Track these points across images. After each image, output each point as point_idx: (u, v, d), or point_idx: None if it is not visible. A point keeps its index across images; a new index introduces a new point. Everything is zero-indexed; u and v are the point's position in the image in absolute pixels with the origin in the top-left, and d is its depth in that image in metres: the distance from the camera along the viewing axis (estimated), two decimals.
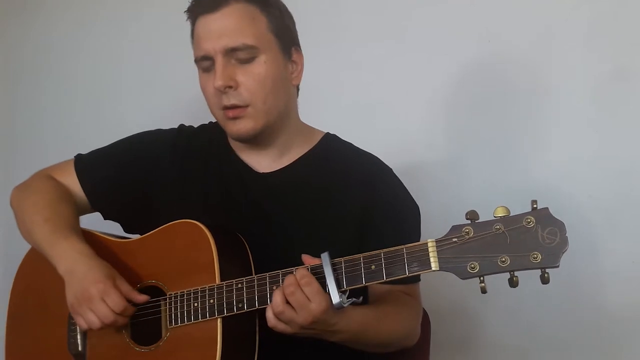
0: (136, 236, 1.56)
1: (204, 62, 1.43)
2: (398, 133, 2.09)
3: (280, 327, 1.28)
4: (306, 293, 1.25)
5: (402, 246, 1.24)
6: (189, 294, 1.38)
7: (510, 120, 2.03)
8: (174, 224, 1.45)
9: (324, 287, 1.26)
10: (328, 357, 1.43)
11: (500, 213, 1.18)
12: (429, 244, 1.21)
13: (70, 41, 2.49)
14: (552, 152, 1.98)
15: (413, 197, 1.55)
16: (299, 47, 1.51)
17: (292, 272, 1.28)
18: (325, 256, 1.27)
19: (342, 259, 1.27)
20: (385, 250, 1.25)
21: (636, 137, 1.91)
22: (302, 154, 1.53)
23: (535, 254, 1.15)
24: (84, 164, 1.60)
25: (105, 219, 1.62)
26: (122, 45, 2.43)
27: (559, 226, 1.15)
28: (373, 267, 1.25)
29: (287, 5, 1.51)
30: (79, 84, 2.49)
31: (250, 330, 1.37)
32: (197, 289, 1.37)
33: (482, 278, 1.18)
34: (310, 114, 1.58)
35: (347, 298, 1.25)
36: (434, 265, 1.21)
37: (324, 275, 1.26)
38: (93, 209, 1.61)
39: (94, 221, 1.62)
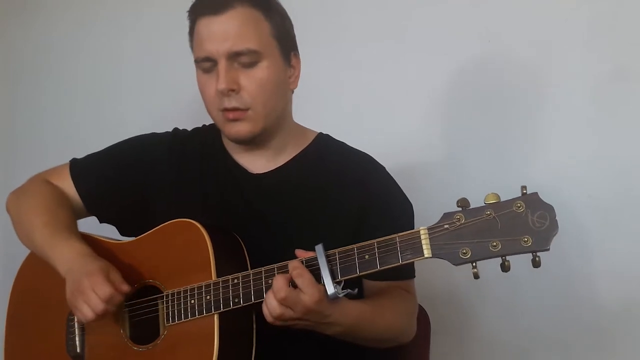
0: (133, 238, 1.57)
1: (205, 63, 1.43)
2: (398, 133, 2.10)
3: (277, 321, 1.29)
4: (298, 284, 1.26)
5: (395, 235, 1.25)
6: (185, 292, 1.39)
7: (509, 120, 2.03)
8: (170, 224, 1.46)
9: (318, 278, 1.26)
10: (326, 352, 1.44)
11: (491, 199, 1.19)
12: (421, 232, 1.23)
13: (70, 41, 2.49)
14: (551, 152, 1.98)
15: (413, 196, 1.55)
16: (298, 52, 1.52)
17: (287, 266, 1.29)
18: (319, 247, 1.28)
19: (336, 250, 1.28)
20: (378, 239, 1.26)
21: (636, 137, 1.91)
22: (295, 154, 1.54)
23: (526, 238, 1.16)
24: (80, 169, 1.61)
25: (100, 222, 1.63)
26: (122, 45, 2.43)
27: (549, 210, 1.17)
28: (367, 256, 1.26)
29: (287, 6, 1.51)
30: (79, 84, 2.49)
31: (247, 325, 1.37)
32: (194, 286, 1.38)
33: (474, 264, 1.19)
34: (310, 114, 1.58)
35: (342, 289, 1.26)
36: (427, 252, 1.22)
37: (319, 267, 1.26)
38: (89, 212, 1.61)
39: (90, 222, 1.62)
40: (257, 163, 1.53)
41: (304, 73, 1.53)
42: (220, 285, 1.35)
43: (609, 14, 1.93)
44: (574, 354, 1.97)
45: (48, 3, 2.53)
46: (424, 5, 2.09)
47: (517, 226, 1.17)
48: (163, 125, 1.65)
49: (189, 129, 1.65)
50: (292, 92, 1.54)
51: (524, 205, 1.17)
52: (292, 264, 1.28)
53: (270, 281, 1.30)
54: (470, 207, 1.20)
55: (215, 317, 1.35)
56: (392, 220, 1.46)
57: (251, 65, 1.41)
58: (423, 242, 1.22)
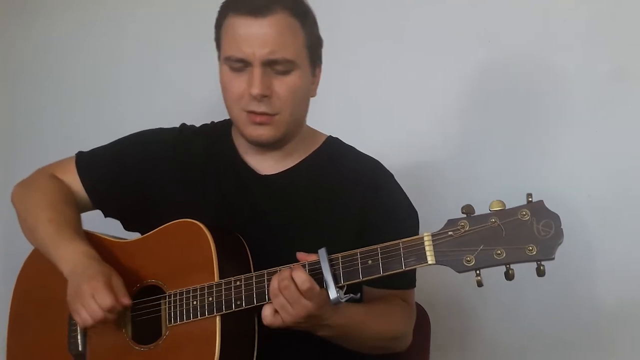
0: (136, 235, 1.57)
1: (237, 63, 1.42)
2: (397, 133, 2.10)
3: (276, 322, 1.29)
4: (285, 296, 1.26)
5: (399, 240, 1.24)
6: (188, 292, 1.39)
7: (508, 121, 2.03)
8: (174, 224, 1.46)
9: (321, 282, 1.26)
10: (327, 355, 1.43)
11: (496, 207, 1.18)
12: (425, 238, 1.22)
13: (70, 41, 2.49)
14: (550, 152, 1.98)
15: (412, 195, 1.55)
16: (321, 61, 1.52)
17: (289, 269, 1.29)
18: (322, 252, 1.27)
19: (339, 255, 1.27)
20: (382, 245, 1.25)
21: (635, 137, 1.91)
22: (304, 157, 1.54)
23: (531, 247, 1.15)
24: (85, 163, 1.61)
25: (105, 216, 1.63)
26: (122, 45, 2.43)
27: (554, 218, 1.16)
28: (370, 262, 1.25)
29: None
30: (79, 84, 2.49)
31: (249, 327, 1.37)
32: (197, 287, 1.38)
33: (478, 271, 1.18)
34: (310, 114, 1.58)
35: (345, 294, 1.26)
36: (430, 258, 1.21)
37: (322, 271, 1.26)
38: (94, 207, 1.61)
39: (94, 219, 1.63)
40: (265, 164, 1.53)
41: None
42: (223, 286, 1.35)
43: (607, 14, 1.94)
44: (574, 354, 1.97)
45: (48, 3, 2.53)
46: (422, 6, 2.09)
47: (522, 234, 1.16)
48: (163, 126, 1.65)
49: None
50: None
51: (530, 213, 1.16)
52: (282, 275, 1.27)
53: None
54: (475, 214, 1.19)
55: (217, 319, 1.35)
56: (396, 228, 1.46)
57: (284, 73, 1.41)
58: (427, 248, 1.21)
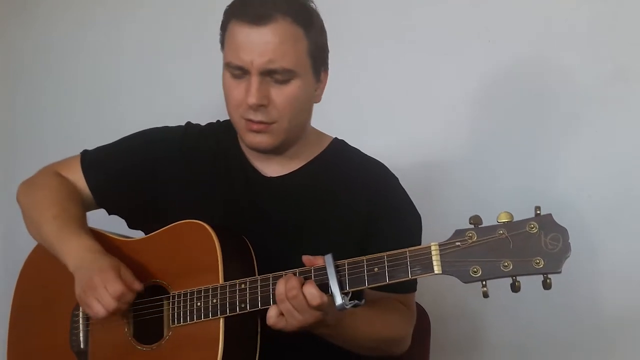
0: (140, 234, 1.57)
1: (236, 70, 1.41)
2: (397, 134, 2.10)
3: (280, 324, 1.29)
4: (294, 305, 1.26)
5: (406, 249, 1.24)
6: (192, 294, 1.39)
7: (509, 121, 2.03)
8: (179, 224, 1.45)
9: (326, 288, 1.26)
10: (329, 356, 1.43)
11: (504, 218, 1.18)
12: (432, 247, 1.21)
13: (70, 41, 2.49)
14: (551, 152, 1.98)
15: (415, 196, 1.55)
16: (328, 66, 1.51)
17: (295, 274, 1.29)
18: (328, 258, 1.26)
19: (346, 261, 1.27)
20: (388, 253, 1.25)
21: (635, 137, 1.91)
22: (310, 159, 1.54)
23: (538, 260, 1.15)
24: (90, 161, 1.60)
25: (109, 214, 1.63)
26: (122, 45, 2.43)
27: (562, 232, 1.16)
28: (376, 269, 1.25)
29: None
30: (79, 84, 2.49)
31: (252, 328, 1.37)
32: (201, 288, 1.37)
33: (484, 282, 1.18)
34: (314, 115, 1.58)
35: (350, 300, 1.25)
36: (437, 268, 1.21)
37: (327, 277, 1.26)
38: (98, 205, 1.61)
39: (98, 217, 1.63)
40: (271, 167, 1.52)
41: None
42: (228, 289, 1.35)
43: (609, 14, 1.94)
44: (574, 354, 1.98)
45: (48, 3, 2.53)
46: (424, 5, 2.09)
47: (530, 247, 1.16)
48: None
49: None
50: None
51: (538, 226, 1.16)
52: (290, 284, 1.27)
53: None
54: (483, 225, 1.19)
55: (221, 322, 1.35)
56: (400, 231, 1.46)
57: (283, 82, 1.40)
58: (434, 258, 1.21)
